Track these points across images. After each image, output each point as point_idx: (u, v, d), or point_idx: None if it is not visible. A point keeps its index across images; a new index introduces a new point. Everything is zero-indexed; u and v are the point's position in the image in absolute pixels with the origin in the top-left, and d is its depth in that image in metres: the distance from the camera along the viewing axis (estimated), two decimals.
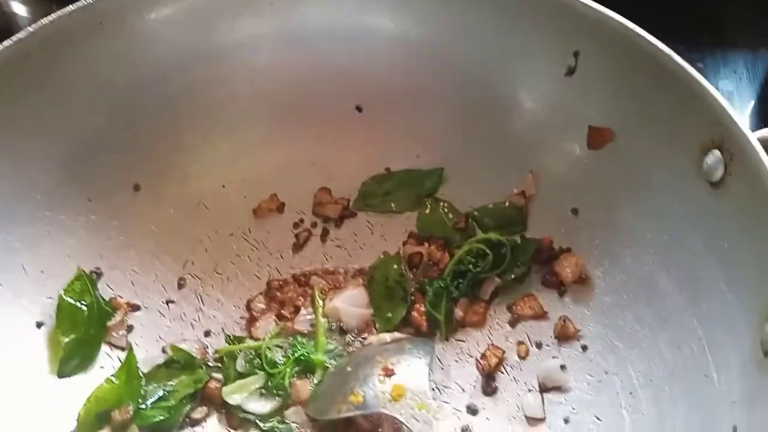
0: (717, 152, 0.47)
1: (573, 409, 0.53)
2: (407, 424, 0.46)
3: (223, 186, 0.66)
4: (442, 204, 0.63)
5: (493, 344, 0.58)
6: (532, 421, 0.53)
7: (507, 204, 0.62)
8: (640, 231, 0.54)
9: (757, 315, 0.42)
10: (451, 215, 0.63)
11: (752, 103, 0.78)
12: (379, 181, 0.65)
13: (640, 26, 0.79)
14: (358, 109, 0.66)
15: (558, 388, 0.55)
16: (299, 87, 0.64)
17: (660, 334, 0.51)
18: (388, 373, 0.50)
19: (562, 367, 0.55)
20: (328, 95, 0.64)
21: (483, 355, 0.57)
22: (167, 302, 0.62)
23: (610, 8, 0.53)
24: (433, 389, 0.55)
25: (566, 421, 0.53)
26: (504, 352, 0.57)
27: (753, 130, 0.45)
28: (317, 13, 0.61)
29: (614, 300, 0.56)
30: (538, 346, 0.58)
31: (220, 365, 0.59)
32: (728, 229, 0.47)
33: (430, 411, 0.47)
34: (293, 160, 0.66)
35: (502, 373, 0.57)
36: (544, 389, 0.55)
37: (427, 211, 0.63)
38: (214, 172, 0.65)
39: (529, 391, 0.55)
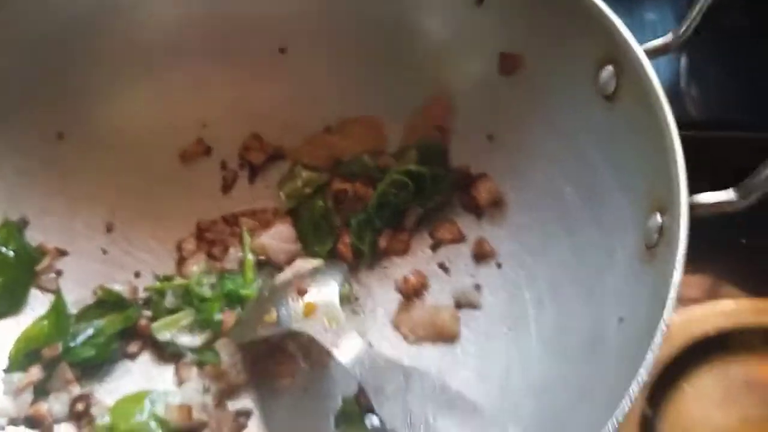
0: (610, 67, 0.49)
1: (486, 323, 0.56)
2: (317, 337, 0.48)
3: (149, 131, 0.66)
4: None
5: (414, 269, 0.60)
6: (448, 336, 0.55)
7: (426, 143, 0.63)
8: (548, 150, 0.56)
9: (643, 213, 0.44)
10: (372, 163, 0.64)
11: None
12: None
13: None
14: (281, 50, 0.66)
15: (472, 305, 0.57)
16: (220, 31, 0.64)
17: (565, 245, 0.53)
18: (302, 292, 0.52)
19: (477, 286, 0.57)
20: (250, 38, 0.65)
21: (405, 279, 0.59)
22: (96, 246, 0.63)
23: None
24: (357, 314, 0.58)
25: (479, 334, 0.55)
26: (425, 276, 0.59)
27: None
28: None
29: (526, 218, 0.58)
30: (457, 266, 0.60)
31: (149, 304, 0.60)
32: (621, 139, 0.49)
33: (338, 324, 0.49)
34: (218, 104, 0.67)
35: (423, 294, 0.59)
36: (459, 306, 0.57)
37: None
38: (138, 118, 0.65)
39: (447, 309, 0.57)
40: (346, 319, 0.49)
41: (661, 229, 0.42)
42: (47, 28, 0.60)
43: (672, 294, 0.36)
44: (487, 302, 0.57)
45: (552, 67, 0.55)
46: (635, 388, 0.35)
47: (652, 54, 0.48)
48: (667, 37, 0.48)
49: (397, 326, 0.58)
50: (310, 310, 0.50)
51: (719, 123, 0.68)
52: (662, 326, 0.35)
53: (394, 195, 0.61)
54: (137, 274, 0.62)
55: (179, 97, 0.66)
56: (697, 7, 0.46)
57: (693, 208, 0.40)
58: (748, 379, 0.57)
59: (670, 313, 0.36)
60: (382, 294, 0.60)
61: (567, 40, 0.53)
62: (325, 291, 0.52)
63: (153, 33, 0.64)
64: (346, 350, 0.47)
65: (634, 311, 0.42)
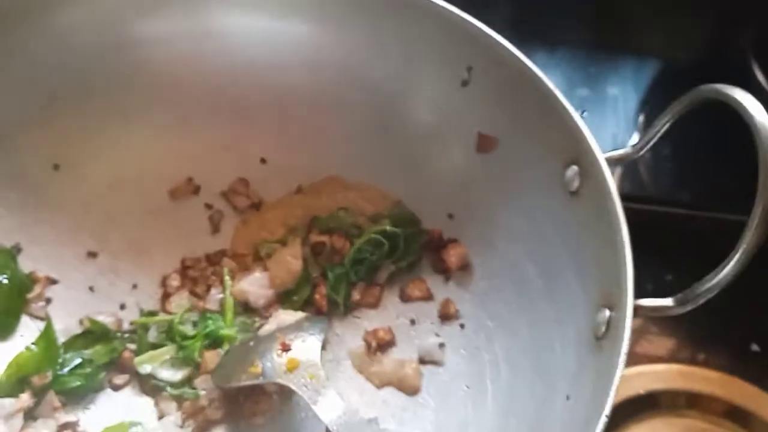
0: (575, 167, 0.55)
1: (446, 379, 0.62)
2: (299, 392, 0.53)
3: (141, 168, 0.69)
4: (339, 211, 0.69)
5: (386, 326, 0.65)
6: (410, 389, 0.61)
7: (403, 210, 0.69)
8: (513, 227, 0.62)
9: (594, 305, 0.51)
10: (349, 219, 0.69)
11: (636, 106, 0.87)
12: None
13: (533, 32, 0.88)
14: (280, 108, 0.71)
15: (435, 362, 0.63)
16: (215, 79, 0.69)
17: (522, 315, 0.59)
18: (285, 348, 0.56)
19: (441, 345, 0.63)
20: (249, 95, 0.70)
21: (375, 331, 0.64)
22: (84, 277, 0.66)
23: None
24: (332, 360, 0.63)
25: (439, 389, 0.61)
26: (393, 334, 0.65)
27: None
28: (239, 12, 0.66)
29: (489, 285, 0.64)
30: (423, 323, 0.65)
31: (133, 336, 0.64)
32: (580, 231, 0.55)
33: (319, 381, 0.54)
34: (209, 146, 0.71)
35: (389, 349, 0.65)
36: (422, 362, 0.63)
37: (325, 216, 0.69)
38: (131, 154, 0.69)
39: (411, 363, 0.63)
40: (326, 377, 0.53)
41: (608, 324, 0.48)
42: (54, 65, 0.63)
43: (613, 388, 0.43)
44: (449, 360, 0.63)
45: (524, 155, 0.61)
46: None
47: (612, 162, 0.54)
48: (627, 150, 0.55)
49: (363, 374, 0.64)
50: (293, 366, 0.55)
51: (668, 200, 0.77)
52: (603, 418, 0.42)
53: (370, 253, 0.66)
54: (122, 306, 0.66)
55: (173, 138, 0.70)
56: (656, 130, 0.53)
57: (636, 309, 0.47)
58: None
59: (610, 405, 0.42)
60: (353, 343, 0.65)
61: (540, 133, 0.59)
62: (307, 347, 0.57)
63: (153, 78, 0.68)
64: (325, 407, 0.52)
65: (581, 392, 0.48)
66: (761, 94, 0.83)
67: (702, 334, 0.71)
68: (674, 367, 0.69)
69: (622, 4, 0.98)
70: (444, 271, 0.67)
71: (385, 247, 0.66)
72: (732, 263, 0.44)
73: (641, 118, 0.88)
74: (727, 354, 0.70)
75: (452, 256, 0.66)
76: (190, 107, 0.69)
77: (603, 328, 0.49)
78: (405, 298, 0.67)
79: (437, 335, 0.64)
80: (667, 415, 0.67)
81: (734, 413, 0.65)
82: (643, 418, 0.66)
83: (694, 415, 0.66)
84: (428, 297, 0.67)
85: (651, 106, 0.90)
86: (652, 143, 0.54)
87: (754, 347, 0.71)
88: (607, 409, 0.42)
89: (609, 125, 0.87)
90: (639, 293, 0.46)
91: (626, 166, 0.80)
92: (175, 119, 0.70)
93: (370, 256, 0.67)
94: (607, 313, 0.49)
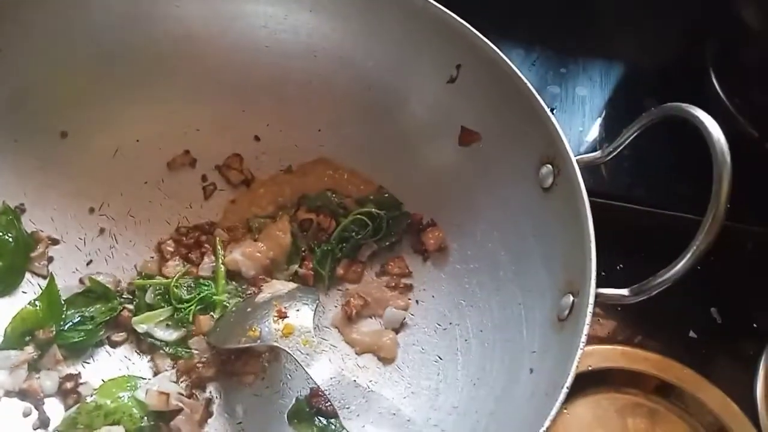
0: (549, 166, 0.61)
1: (422, 349, 0.68)
2: (293, 355, 0.58)
3: (142, 139, 0.73)
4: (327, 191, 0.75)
5: (357, 293, 0.71)
6: (387, 357, 0.67)
7: (386, 195, 0.74)
8: (489, 216, 0.68)
9: (558, 289, 0.57)
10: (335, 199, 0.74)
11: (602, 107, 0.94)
12: None
13: (514, 33, 0.93)
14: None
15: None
16: (217, 59, 0.73)
17: (493, 297, 0.65)
18: (282, 314, 0.61)
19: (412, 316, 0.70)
20: (244, 73, 0.73)
21: (347, 302, 0.70)
22: (84, 239, 0.70)
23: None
24: (316, 327, 0.68)
25: (414, 358, 0.67)
26: (365, 300, 0.70)
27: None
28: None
29: (464, 267, 0.70)
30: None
31: (132, 297, 0.68)
32: (550, 223, 0.61)
33: (312, 346, 0.59)
34: (207, 122, 0.75)
35: (371, 318, 0.71)
36: (397, 331, 0.69)
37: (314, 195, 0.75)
38: (134, 126, 0.73)
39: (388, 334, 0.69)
40: (318, 343, 0.59)
41: (571, 308, 0.55)
42: (68, 36, 0.67)
43: (573, 365, 0.49)
44: (423, 333, 0.69)
45: (504, 151, 0.67)
46: None
47: (582, 164, 0.60)
48: (596, 154, 0.61)
49: (346, 340, 0.70)
50: (288, 331, 0.60)
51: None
52: (564, 389, 0.48)
53: (355, 232, 0.72)
54: (120, 268, 0.70)
55: (174, 112, 0.74)
56: (623, 139, 0.59)
57: (597, 296, 0.53)
58: (616, 409, 0.72)
59: (570, 380, 0.49)
60: (336, 313, 0.71)
61: (519, 132, 0.64)
62: (301, 314, 0.62)
63: (160, 55, 0.71)
64: (319, 370, 0.58)
65: (543, 367, 0.55)
66: (718, 103, 0.92)
67: (644, 320, 0.79)
68: (618, 348, 0.76)
69: (596, 11, 1.05)
70: (422, 252, 0.73)
71: (369, 227, 0.72)
72: (684, 261, 0.50)
73: (604, 118, 0.94)
74: (666, 339, 0.77)
75: (431, 238, 0.72)
76: (191, 84, 0.73)
77: (566, 312, 0.55)
78: (385, 274, 0.73)
79: (413, 315, 0.70)
80: (610, 391, 0.74)
81: (670, 391, 0.73)
82: (588, 393, 0.73)
83: (634, 392, 0.74)
84: (407, 273, 0.73)
85: (615, 107, 0.97)
86: (617, 151, 0.60)
87: (692, 334, 0.79)
88: (569, 382, 0.48)
89: (576, 123, 0.94)
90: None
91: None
92: (176, 95, 0.74)
93: (355, 235, 0.72)
94: (571, 298, 0.55)
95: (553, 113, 0.61)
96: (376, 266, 0.74)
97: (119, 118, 0.72)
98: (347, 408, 0.55)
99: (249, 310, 0.63)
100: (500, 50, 0.63)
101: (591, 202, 0.56)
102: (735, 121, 0.88)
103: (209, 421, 0.63)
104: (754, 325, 0.80)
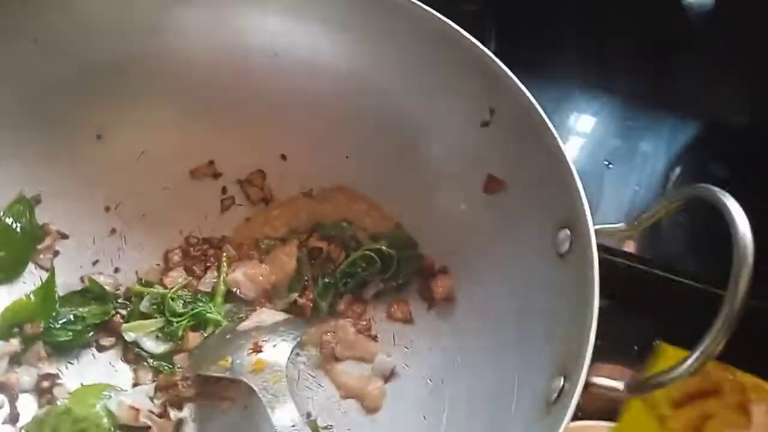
0: (567, 231, 0.56)
1: (408, 405, 0.64)
2: (259, 393, 0.56)
3: (167, 145, 0.73)
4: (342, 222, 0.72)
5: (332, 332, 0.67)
6: (371, 408, 0.64)
7: (403, 233, 0.71)
8: (503, 273, 0.63)
9: (553, 370, 0.52)
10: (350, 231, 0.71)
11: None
12: None
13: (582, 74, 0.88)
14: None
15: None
16: (246, 73, 0.72)
17: (490, 360, 0.60)
18: (257, 348, 0.59)
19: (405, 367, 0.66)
20: (272, 87, 0.72)
21: (323, 341, 0.67)
22: (94, 237, 0.70)
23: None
24: (305, 363, 0.66)
25: (398, 414, 0.63)
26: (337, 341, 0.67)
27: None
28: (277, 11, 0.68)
29: (468, 324, 0.65)
30: (398, 346, 0.68)
31: (127, 303, 0.67)
32: (560, 294, 0.56)
33: (280, 386, 0.56)
34: (233, 135, 0.74)
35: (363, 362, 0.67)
36: (386, 380, 0.65)
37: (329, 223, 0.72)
38: (160, 132, 0.72)
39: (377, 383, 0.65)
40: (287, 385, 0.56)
41: (561, 392, 0.50)
42: (98, 38, 0.68)
43: None
44: (413, 387, 0.65)
45: (526, 205, 0.62)
46: None
47: (603, 235, 0.55)
48: (620, 226, 0.56)
49: (332, 381, 0.66)
50: (260, 367, 0.58)
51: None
52: None
53: (363, 268, 0.69)
54: (122, 271, 0.69)
55: (199, 122, 0.73)
56: (650, 216, 0.53)
57: (588, 385, 0.48)
58: None
59: None
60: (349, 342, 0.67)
61: (543, 187, 0.59)
62: (277, 350, 0.59)
63: (186, 65, 0.71)
64: (280, 414, 0.55)
65: None
66: None
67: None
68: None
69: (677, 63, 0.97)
70: (429, 299, 0.69)
71: (378, 265, 0.69)
72: (687, 364, 0.44)
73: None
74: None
75: (440, 286, 0.68)
76: (219, 96, 0.72)
77: (554, 395, 0.50)
78: (387, 317, 0.69)
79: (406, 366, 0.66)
80: None
81: None
82: None
83: None
84: (409, 320, 0.69)
85: (681, 167, 0.90)
86: (644, 227, 0.54)
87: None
88: None
89: (631, 182, 0.87)
90: None
91: None
92: (208, 104, 0.73)
93: (362, 271, 0.69)
94: (562, 381, 0.50)
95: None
96: (380, 307, 0.70)
97: (145, 123, 0.71)
98: None
99: (228, 337, 0.61)
100: (553, 95, 0.59)
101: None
102: None
103: None
104: None
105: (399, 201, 0.72)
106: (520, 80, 0.60)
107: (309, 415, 0.63)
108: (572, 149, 0.87)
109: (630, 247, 0.77)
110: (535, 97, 0.59)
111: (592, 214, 0.53)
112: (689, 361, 0.44)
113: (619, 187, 0.87)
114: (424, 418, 0.62)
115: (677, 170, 0.90)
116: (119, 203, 0.71)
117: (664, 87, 0.97)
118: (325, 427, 0.62)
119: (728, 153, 0.91)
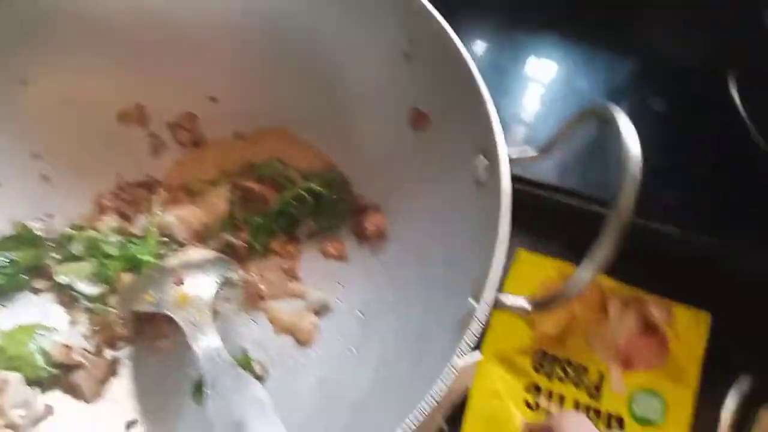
0: (484, 159, 0.57)
1: (339, 338, 0.65)
2: (183, 326, 0.57)
3: (94, 88, 0.72)
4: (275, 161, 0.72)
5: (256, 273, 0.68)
6: (304, 341, 0.65)
7: (337, 173, 0.72)
8: (429, 208, 0.64)
9: (469, 292, 0.53)
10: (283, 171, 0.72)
11: None
12: None
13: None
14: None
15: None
16: (172, 13, 0.71)
17: (420, 295, 0.61)
18: (178, 282, 0.60)
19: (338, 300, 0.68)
20: (197, 28, 0.71)
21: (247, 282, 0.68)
22: (24, 183, 0.69)
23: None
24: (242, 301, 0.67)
25: (330, 347, 0.65)
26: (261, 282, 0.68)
27: None
28: None
29: (398, 257, 0.67)
30: (331, 281, 0.69)
31: (60, 247, 0.68)
32: (480, 222, 0.56)
33: (204, 320, 0.58)
34: (162, 78, 0.73)
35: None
36: (318, 314, 0.67)
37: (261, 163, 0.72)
38: (87, 76, 0.71)
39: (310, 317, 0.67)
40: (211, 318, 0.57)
41: (471, 313, 0.51)
42: None
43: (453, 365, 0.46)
44: (346, 320, 0.66)
45: (450, 137, 0.62)
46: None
47: (514, 162, 0.56)
48: (529, 150, 0.57)
49: (268, 318, 0.68)
50: (183, 301, 0.58)
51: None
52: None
53: (295, 207, 0.69)
54: (53, 216, 0.69)
55: (127, 66, 0.73)
56: (556, 138, 0.55)
57: (497, 304, 0.50)
58: None
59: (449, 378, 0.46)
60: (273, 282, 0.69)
61: (461, 121, 0.60)
62: (202, 286, 0.60)
63: (113, 11, 0.70)
64: (202, 343, 0.56)
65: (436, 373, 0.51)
66: (730, 106, 0.85)
67: None
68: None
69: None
70: (362, 237, 0.70)
71: (310, 204, 0.69)
72: (581, 275, 0.46)
73: None
74: None
75: (372, 223, 0.69)
76: (145, 39, 0.71)
77: (467, 317, 0.51)
78: (322, 255, 0.70)
79: (339, 300, 0.68)
80: None
81: None
82: None
83: None
84: (343, 257, 0.70)
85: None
86: (552, 149, 0.56)
87: None
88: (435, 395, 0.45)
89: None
90: None
91: None
92: (129, 49, 0.72)
93: (294, 210, 0.70)
94: (475, 303, 0.51)
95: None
96: (314, 245, 0.71)
97: (71, 66, 0.71)
98: (215, 389, 0.53)
99: (155, 275, 0.62)
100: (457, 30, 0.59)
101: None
102: (743, 127, 0.86)
103: (113, 380, 0.63)
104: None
105: (331, 140, 0.73)
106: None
107: (243, 349, 0.64)
108: (508, 88, 0.88)
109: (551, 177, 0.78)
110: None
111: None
112: (581, 276, 0.46)
113: (555, 125, 0.88)
114: (356, 350, 0.64)
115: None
116: (47, 150, 0.71)
117: (604, 25, 0.98)
118: (259, 361, 0.63)
119: (666, 89, 0.93)
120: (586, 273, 0.45)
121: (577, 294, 0.47)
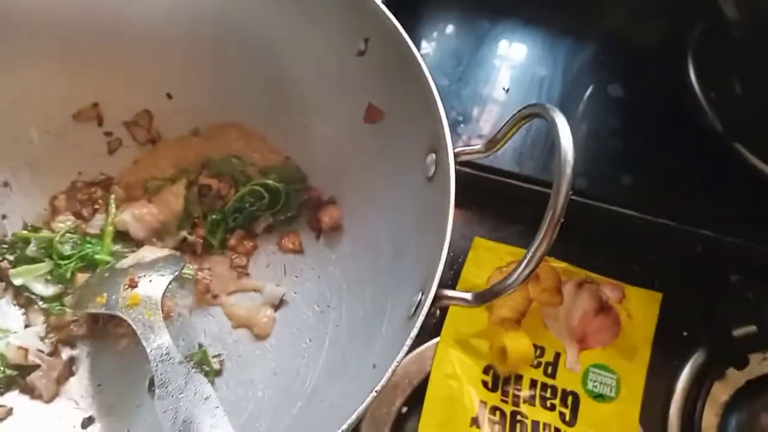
0: (434, 155, 0.58)
1: (295, 330, 0.66)
2: (134, 326, 0.58)
3: (48, 87, 0.71)
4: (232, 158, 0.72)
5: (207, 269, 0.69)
6: (260, 335, 0.66)
7: (292, 167, 0.72)
8: (383, 200, 0.65)
9: (416, 288, 0.54)
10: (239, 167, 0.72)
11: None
12: None
13: None
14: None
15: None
16: (125, 10, 0.70)
17: (369, 284, 0.63)
18: (132, 284, 0.60)
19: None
20: (151, 24, 0.71)
21: (198, 279, 0.68)
22: None
23: None
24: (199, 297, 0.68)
25: (286, 339, 0.66)
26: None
27: None
28: None
29: (351, 249, 0.68)
30: (289, 275, 0.70)
31: (14, 248, 0.68)
32: (427, 216, 0.58)
33: (155, 319, 0.58)
34: (117, 75, 0.73)
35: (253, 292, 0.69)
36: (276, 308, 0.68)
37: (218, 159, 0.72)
38: (39, 74, 0.71)
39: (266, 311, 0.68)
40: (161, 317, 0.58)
41: (418, 305, 0.52)
42: None
43: (403, 350, 0.47)
44: (301, 312, 0.67)
45: (402, 133, 0.63)
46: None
47: (465, 158, 0.57)
48: (479, 148, 0.58)
49: (225, 313, 0.68)
50: (134, 302, 0.59)
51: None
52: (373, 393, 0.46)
53: (251, 203, 0.70)
54: (6, 217, 0.69)
55: (81, 64, 0.72)
56: (504, 137, 0.55)
57: (439, 296, 0.50)
58: None
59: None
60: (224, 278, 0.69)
61: (412, 117, 0.61)
62: (153, 285, 0.61)
63: (65, 6, 0.69)
64: (154, 343, 0.57)
65: (385, 363, 0.53)
66: (690, 93, 0.87)
67: None
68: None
69: None
70: (318, 230, 0.71)
71: (266, 199, 0.70)
72: (520, 269, 0.47)
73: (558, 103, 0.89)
74: None
75: (327, 216, 0.70)
76: (99, 37, 0.71)
77: (413, 309, 0.52)
78: (279, 249, 0.71)
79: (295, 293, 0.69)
80: None
81: None
82: None
83: None
84: (299, 251, 0.71)
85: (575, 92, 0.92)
86: (499, 146, 0.56)
87: None
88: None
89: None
90: None
91: None
92: (83, 47, 0.71)
93: (250, 206, 0.70)
94: (420, 296, 0.52)
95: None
96: (272, 240, 0.72)
97: (23, 64, 0.70)
98: (164, 387, 0.53)
99: (107, 275, 0.62)
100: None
101: None
102: (703, 114, 0.87)
103: (71, 380, 0.63)
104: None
105: (287, 135, 0.73)
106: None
107: (200, 345, 0.65)
108: (470, 74, 0.88)
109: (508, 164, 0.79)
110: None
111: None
112: (520, 269, 0.47)
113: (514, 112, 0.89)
114: (310, 341, 0.65)
115: (573, 93, 0.92)
116: (1, 151, 0.70)
117: (567, 9, 0.98)
118: (216, 356, 0.64)
119: (626, 74, 0.93)
120: (525, 269, 0.46)
121: (516, 287, 0.48)
